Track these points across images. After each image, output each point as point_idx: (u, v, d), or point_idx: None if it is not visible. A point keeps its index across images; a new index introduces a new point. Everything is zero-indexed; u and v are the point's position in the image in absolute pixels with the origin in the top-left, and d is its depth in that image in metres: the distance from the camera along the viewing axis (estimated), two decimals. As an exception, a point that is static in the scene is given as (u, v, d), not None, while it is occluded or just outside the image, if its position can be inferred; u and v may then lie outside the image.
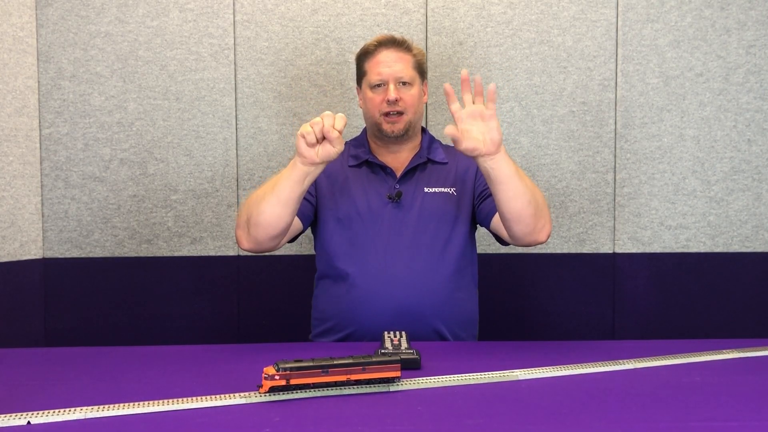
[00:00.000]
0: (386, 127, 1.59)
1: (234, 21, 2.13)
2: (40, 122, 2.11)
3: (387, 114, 1.58)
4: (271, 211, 1.42)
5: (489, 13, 2.15)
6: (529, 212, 1.42)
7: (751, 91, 2.16)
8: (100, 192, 2.12)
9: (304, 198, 1.54)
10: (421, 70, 1.64)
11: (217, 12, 2.12)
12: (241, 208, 1.51)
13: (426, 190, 1.61)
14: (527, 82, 2.15)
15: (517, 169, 1.40)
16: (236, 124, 2.14)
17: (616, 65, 2.15)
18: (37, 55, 2.10)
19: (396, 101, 1.57)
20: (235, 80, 2.13)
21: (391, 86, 1.57)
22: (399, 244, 1.55)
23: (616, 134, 2.16)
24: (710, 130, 2.17)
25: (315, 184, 1.61)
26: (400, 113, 1.58)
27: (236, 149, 2.14)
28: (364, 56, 1.64)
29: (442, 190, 1.61)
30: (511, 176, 1.38)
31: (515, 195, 1.40)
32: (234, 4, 2.12)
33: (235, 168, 2.14)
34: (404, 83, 1.58)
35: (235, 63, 2.13)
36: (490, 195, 1.52)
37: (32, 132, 2.09)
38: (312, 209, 1.61)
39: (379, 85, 1.59)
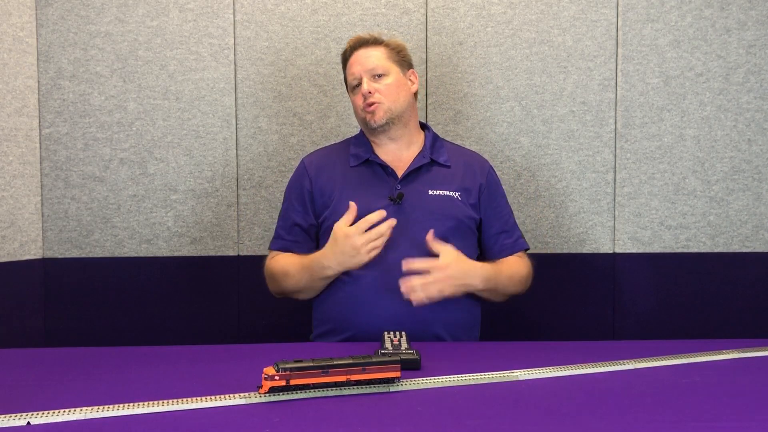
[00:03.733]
0: (368, 118, 1.62)
1: (234, 21, 2.13)
2: (40, 122, 2.11)
3: (366, 105, 1.62)
4: (298, 294, 1.63)
5: (489, 13, 2.15)
6: (504, 298, 1.66)
7: (751, 91, 2.16)
8: (100, 192, 2.12)
9: (308, 225, 1.66)
10: (400, 59, 1.67)
11: (217, 12, 2.12)
12: (271, 267, 1.66)
13: (430, 192, 1.61)
14: (527, 82, 2.15)
15: (493, 278, 1.56)
16: (236, 124, 2.14)
17: (616, 65, 2.15)
18: (37, 55, 2.10)
19: (370, 93, 1.60)
20: (235, 80, 2.13)
21: (364, 80, 1.61)
22: (400, 247, 1.54)
23: (616, 134, 2.16)
24: (710, 130, 2.17)
25: (312, 201, 1.66)
26: (375, 103, 1.61)
27: (236, 149, 2.14)
28: (343, 63, 1.70)
29: (447, 193, 1.62)
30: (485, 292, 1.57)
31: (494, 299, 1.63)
32: (234, 4, 2.12)
33: (235, 168, 2.14)
34: (378, 75, 1.62)
35: (235, 63, 2.13)
36: (488, 232, 1.68)
37: (32, 132, 2.09)
38: (316, 227, 1.68)
39: (358, 85, 1.64)
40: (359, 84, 1.63)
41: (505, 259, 1.66)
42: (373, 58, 1.63)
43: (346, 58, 1.68)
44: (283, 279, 1.60)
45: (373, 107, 1.60)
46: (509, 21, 2.15)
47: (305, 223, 1.66)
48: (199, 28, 2.12)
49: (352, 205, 1.48)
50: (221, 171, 2.14)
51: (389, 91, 1.62)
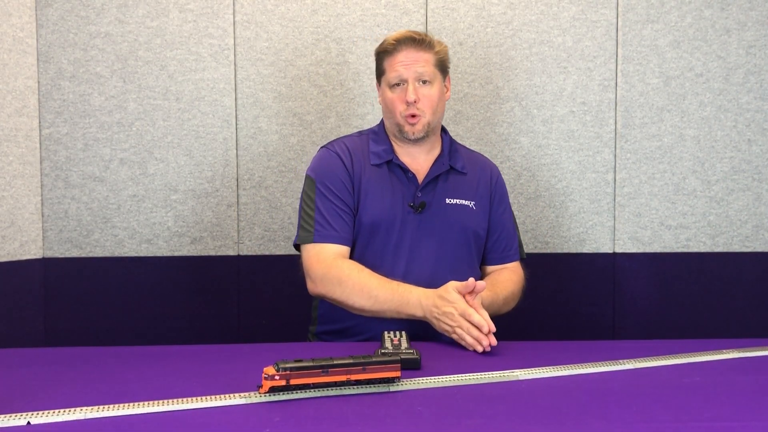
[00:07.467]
0: (407, 129, 1.57)
1: (234, 21, 2.13)
2: (40, 122, 2.11)
3: (409, 115, 1.56)
4: (359, 311, 1.49)
5: (489, 13, 2.15)
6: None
7: (751, 91, 2.16)
8: (100, 192, 2.12)
9: (354, 210, 1.57)
10: (443, 66, 1.60)
11: (217, 12, 2.12)
12: (342, 275, 1.49)
13: (447, 201, 1.60)
14: (527, 82, 2.15)
15: (490, 305, 1.47)
16: (236, 124, 2.14)
17: (616, 65, 2.15)
18: (37, 55, 2.10)
19: (415, 102, 1.54)
20: (235, 80, 2.13)
21: (410, 87, 1.54)
22: (421, 256, 1.55)
23: (616, 134, 2.16)
24: (710, 130, 2.17)
25: (352, 187, 1.58)
26: (417, 116, 1.55)
27: (236, 149, 2.14)
28: (383, 54, 1.59)
29: (463, 202, 1.61)
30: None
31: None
32: (234, 5, 2.12)
33: (235, 168, 2.14)
34: (424, 82, 1.55)
35: (235, 63, 2.13)
36: (490, 239, 1.66)
37: (32, 132, 2.09)
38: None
39: (398, 84, 1.56)
40: (400, 83, 1.56)
41: (501, 280, 1.62)
42: (422, 62, 1.54)
43: (388, 51, 1.57)
44: (358, 294, 1.47)
45: (415, 119, 1.55)
46: (509, 21, 2.15)
47: (354, 207, 1.57)
48: (199, 29, 2.12)
49: (480, 284, 1.37)
50: (221, 171, 2.14)
51: (431, 103, 1.56)
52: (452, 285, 1.38)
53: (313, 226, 1.55)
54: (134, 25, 2.11)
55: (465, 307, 1.35)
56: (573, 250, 2.17)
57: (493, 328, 1.33)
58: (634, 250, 2.18)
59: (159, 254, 2.14)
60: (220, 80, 2.13)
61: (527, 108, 2.16)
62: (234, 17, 2.13)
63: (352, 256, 1.57)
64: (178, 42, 2.12)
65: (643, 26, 2.15)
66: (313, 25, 2.13)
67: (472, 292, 1.37)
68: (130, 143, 2.12)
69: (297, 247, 1.61)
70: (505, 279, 1.63)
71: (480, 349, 1.32)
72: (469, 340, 1.33)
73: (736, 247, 2.18)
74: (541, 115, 2.16)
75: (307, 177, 1.61)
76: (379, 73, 1.62)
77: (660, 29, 2.15)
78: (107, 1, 2.10)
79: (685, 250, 2.18)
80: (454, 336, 1.36)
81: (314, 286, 1.53)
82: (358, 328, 1.54)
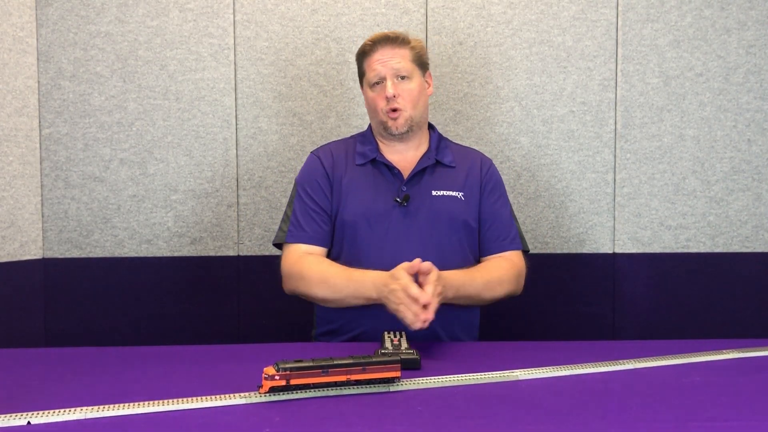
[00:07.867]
0: (390, 124, 1.59)
1: (234, 21, 2.13)
2: (40, 122, 2.11)
3: (390, 111, 1.58)
4: (324, 303, 1.55)
5: (489, 13, 2.15)
6: (486, 303, 1.59)
7: (751, 91, 2.16)
8: (100, 192, 2.12)
9: (331, 212, 1.61)
10: (421, 62, 1.63)
11: (217, 12, 2.12)
12: (303, 270, 1.54)
13: (434, 193, 1.60)
14: (527, 82, 2.15)
15: (463, 286, 1.48)
16: (236, 124, 2.14)
17: (616, 65, 2.15)
18: (37, 55, 2.10)
19: (394, 97, 1.57)
20: (235, 80, 2.13)
21: (389, 82, 1.57)
22: (406, 249, 1.54)
23: (616, 134, 2.16)
24: (710, 130, 2.17)
25: (331, 192, 1.61)
26: (398, 110, 1.58)
27: (236, 149, 2.14)
28: (362, 56, 1.64)
29: (450, 193, 1.61)
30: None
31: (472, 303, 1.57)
32: (234, 4, 2.12)
33: (235, 168, 2.14)
34: (402, 77, 1.58)
35: (235, 63, 2.13)
36: (482, 229, 1.65)
37: (32, 132, 2.10)
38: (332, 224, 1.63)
39: (378, 83, 1.60)
40: (379, 82, 1.59)
41: (483, 265, 1.62)
42: (398, 58, 1.58)
43: (366, 52, 1.62)
44: (318, 285, 1.51)
45: (396, 114, 1.58)
46: (509, 21, 2.15)
47: (329, 210, 1.61)
48: (199, 28, 2.12)
49: (426, 265, 1.37)
50: (221, 171, 2.14)
51: (411, 97, 1.59)
52: (402, 265, 1.39)
53: (288, 227, 1.62)
54: (134, 24, 2.11)
55: (407, 283, 1.34)
56: (573, 251, 2.17)
57: (429, 301, 1.31)
58: (633, 250, 2.18)
59: (159, 254, 2.14)
60: (220, 80, 2.13)
61: (527, 108, 2.16)
62: (234, 17, 2.13)
63: (339, 255, 1.59)
64: (178, 42, 2.12)
65: (643, 26, 2.15)
66: (313, 24, 2.13)
67: (420, 273, 1.36)
68: (130, 143, 2.12)
69: (280, 247, 1.66)
70: (492, 265, 1.61)
71: (419, 325, 1.30)
72: (410, 316, 1.31)
73: (736, 248, 2.18)
74: (541, 115, 2.16)
75: (294, 182, 1.68)
76: (361, 75, 1.67)
77: (660, 29, 2.15)
78: (107, 0, 2.10)
79: (684, 250, 2.18)
80: (400, 316, 1.34)
81: (284, 284, 1.59)
82: (350, 325, 1.55)
